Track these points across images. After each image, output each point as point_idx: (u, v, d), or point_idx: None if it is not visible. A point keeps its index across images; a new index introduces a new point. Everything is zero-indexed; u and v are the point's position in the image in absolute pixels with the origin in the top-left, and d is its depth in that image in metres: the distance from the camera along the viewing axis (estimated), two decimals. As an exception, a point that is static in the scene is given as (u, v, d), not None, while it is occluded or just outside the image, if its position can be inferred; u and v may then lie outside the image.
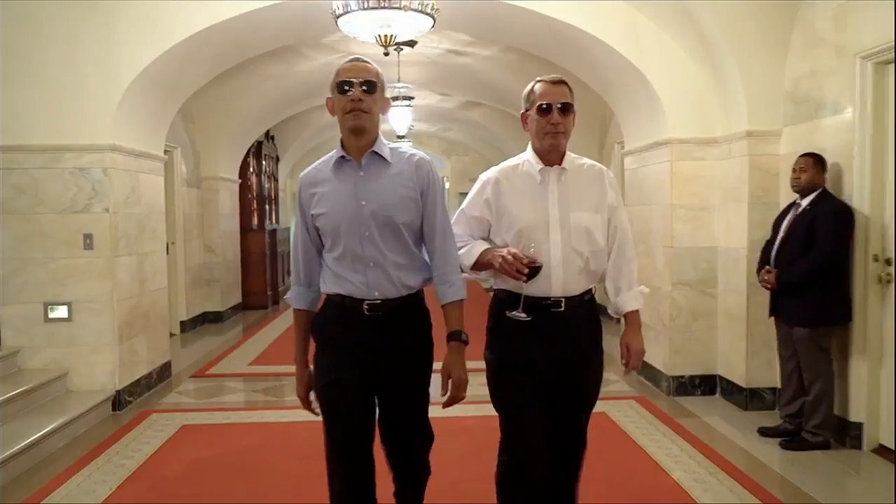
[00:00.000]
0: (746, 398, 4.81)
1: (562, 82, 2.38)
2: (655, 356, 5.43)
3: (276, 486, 3.59)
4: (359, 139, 2.26)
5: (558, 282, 2.33)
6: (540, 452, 2.34)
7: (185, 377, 6.06)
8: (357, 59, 2.32)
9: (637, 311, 2.50)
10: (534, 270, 2.24)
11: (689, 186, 5.14)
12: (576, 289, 2.37)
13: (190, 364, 6.56)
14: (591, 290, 2.45)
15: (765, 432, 4.29)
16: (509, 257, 2.24)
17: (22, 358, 4.90)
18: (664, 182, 5.24)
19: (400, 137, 11.89)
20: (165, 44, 4.89)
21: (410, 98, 9.98)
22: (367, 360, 2.27)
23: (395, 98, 9.92)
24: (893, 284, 3.83)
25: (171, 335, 6.28)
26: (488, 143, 15.12)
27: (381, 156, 2.29)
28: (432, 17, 3.80)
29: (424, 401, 2.39)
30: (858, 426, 4.02)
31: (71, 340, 4.92)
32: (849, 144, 4.01)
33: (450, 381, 2.30)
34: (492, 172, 2.48)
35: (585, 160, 2.49)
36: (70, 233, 4.88)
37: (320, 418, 2.32)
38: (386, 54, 4.08)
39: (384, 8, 3.46)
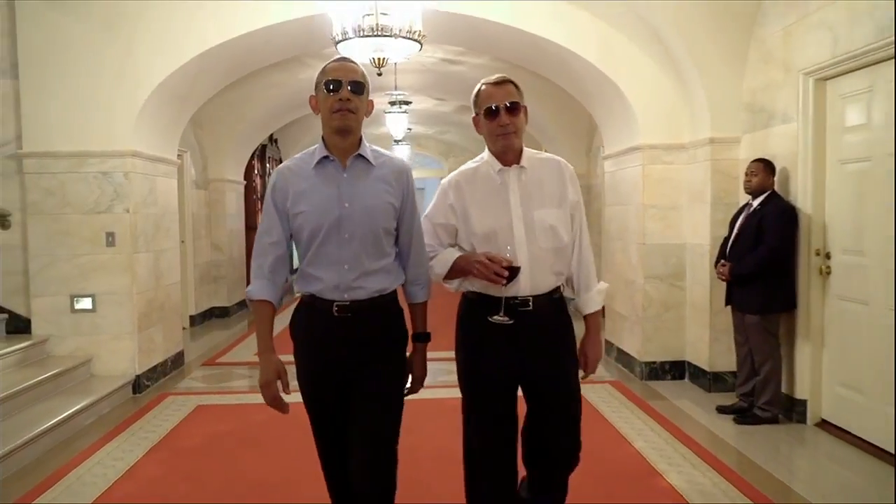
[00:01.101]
0: (710, 381, 5.27)
1: (506, 81, 2.36)
2: (629, 344, 5.91)
3: (284, 455, 4.05)
4: (343, 139, 2.23)
5: (526, 281, 2.31)
6: (502, 448, 2.43)
7: (196, 365, 6.53)
8: (344, 59, 2.29)
9: (597, 312, 2.51)
10: (513, 272, 2.22)
11: (660, 188, 5.61)
12: (544, 287, 2.37)
13: (200, 354, 7.02)
14: (559, 287, 2.45)
15: (722, 410, 4.75)
16: (486, 261, 2.21)
17: (50, 345, 5.37)
18: (637, 184, 5.71)
19: (397, 142, 12.36)
20: (180, 59, 5.35)
21: (408, 103, 10.46)
22: (338, 359, 2.27)
23: (393, 103, 10.42)
24: (832, 276, 4.30)
25: (182, 329, 6.74)
26: (483, 144, 15.52)
27: (365, 158, 2.28)
28: (419, 42, 4.28)
29: (394, 399, 2.34)
30: (803, 403, 4.49)
31: (95, 329, 5.39)
32: (795, 151, 4.47)
33: (409, 377, 2.40)
34: (452, 177, 2.46)
35: (544, 154, 2.50)
36: (94, 231, 5.34)
37: (286, 407, 2.31)
38: (379, 74, 4.54)
39: (377, 36, 3.95)
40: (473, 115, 2.42)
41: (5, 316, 5.38)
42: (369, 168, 2.27)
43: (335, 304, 2.23)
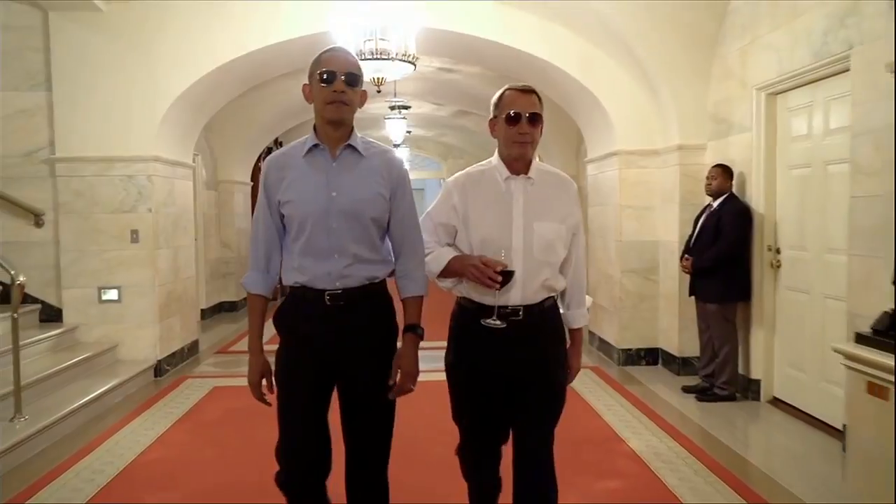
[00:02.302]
0: (679, 365, 5.81)
1: (531, 91, 2.35)
2: (608, 332, 6.45)
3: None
4: (336, 130, 2.23)
5: (518, 291, 2.31)
6: (494, 457, 2.49)
7: (210, 354, 7.07)
8: (339, 49, 2.27)
9: (581, 329, 2.55)
10: (507, 277, 2.21)
11: (635, 190, 6.15)
12: (535, 298, 2.35)
13: (211, 344, 7.55)
14: (551, 296, 2.44)
15: (687, 390, 5.28)
16: (480, 265, 2.21)
17: (79, 332, 5.90)
18: (615, 186, 6.24)
19: (396, 146, 12.86)
20: (198, 73, 5.88)
21: (407, 107, 10.99)
22: (327, 350, 2.25)
23: (393, 108, 10.95)
24: (781, 269, 4.83)
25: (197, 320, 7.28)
26: (481, 147, 16.06)
27: (355, 149, 2.26)
28: (413, 63, 4.84)
29: (386, 390, 2.32)
30: (757, 382, 5.02)
31: (120, 318, 5.92)
32: (750, 157, 5.00)
33: (399, 372, 2.30)
34: (458, 178, 2.46)
35: (552, 170, 2.50)
36: (119, 229, 5.87)
37: (271, 405, 2.34)
38: (378, 91, 5.08)
39: (377, 59, 4.51)
40: (491, 116, 2.39)
41: (38, 306, 5.91)
42: (359, 158, 2.26)
43: (327, 293, 2.22)
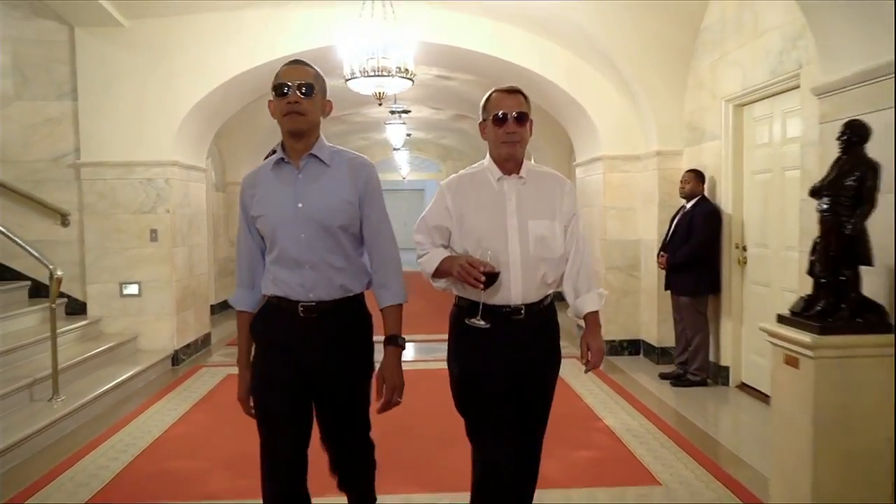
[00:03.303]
0: (658, 355, 6.27)
1: (517, 91, 2.37)
2: (594, 325, 6.89)
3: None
4: (297, 141, 2.24)
5: (518, 290, 2.32)
6: (509, 458, 2.37)
7: (221, 346, 7.53)
8: (296, 62, 2.28)
9: (597, 312, 2.48)
10: (491, 278, 2.21)
11: (618, 192, 6.61)
12: (535, 296, 2.37)
13: (221, 337, 8.01)
14: (549, 295, 2.46)
15: (663, 376, 5.75)
16: (465, 265, 2.22)
17: (103, 324, 6.37)
18: (599, 189, 6.71)
19: (396, 149, 13.30)
20: (211, 84, 6.33)
21: (407, 112, 11.46)
22: (302, 362, 2.26)
23: (393, 112, 11.42)
24: (748, 265, 5.30)
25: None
26: (478, 149, 16.50)
27: (318, 158, 2.27)
28: (411, 80, 5.33)
29: (362, 403, 2.35)
30: (726, 369, 5.48)
31: (140, 311, 6.39)
32: (719, 163, 5.46)
33: (384, 386, 2.30)
34: (451, 180, 2.48)
35: (544, 169, 2.53)
36: (140, 228, 6.34)
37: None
38: (380, 104, 5.55)
39: (378, 76, 4.99)
40: (480, 119, 2.42)
41: (65, 300, 6.37)
42: (323, 168, 2.27)
43: (300, 304, 2.25)
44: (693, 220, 5.39)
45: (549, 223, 2.37)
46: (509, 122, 2.31)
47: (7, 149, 6.29)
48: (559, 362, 2.51)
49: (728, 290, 5.42)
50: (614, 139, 6.56)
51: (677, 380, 5.57)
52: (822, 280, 2.71)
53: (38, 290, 6.27)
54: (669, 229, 5.67)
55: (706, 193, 5.52)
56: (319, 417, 2.36)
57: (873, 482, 2.62)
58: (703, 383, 5.49)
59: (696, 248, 5.34)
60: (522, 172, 2.39)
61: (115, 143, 6.26)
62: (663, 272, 5.72)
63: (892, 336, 2.62)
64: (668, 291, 5.69)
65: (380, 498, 2.71)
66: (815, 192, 2.74)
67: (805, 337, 2.64)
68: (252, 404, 2.34)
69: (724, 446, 4.26)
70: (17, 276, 6.31)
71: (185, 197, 6.70)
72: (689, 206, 5.51)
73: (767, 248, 4.99)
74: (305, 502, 2.36)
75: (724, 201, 5.42)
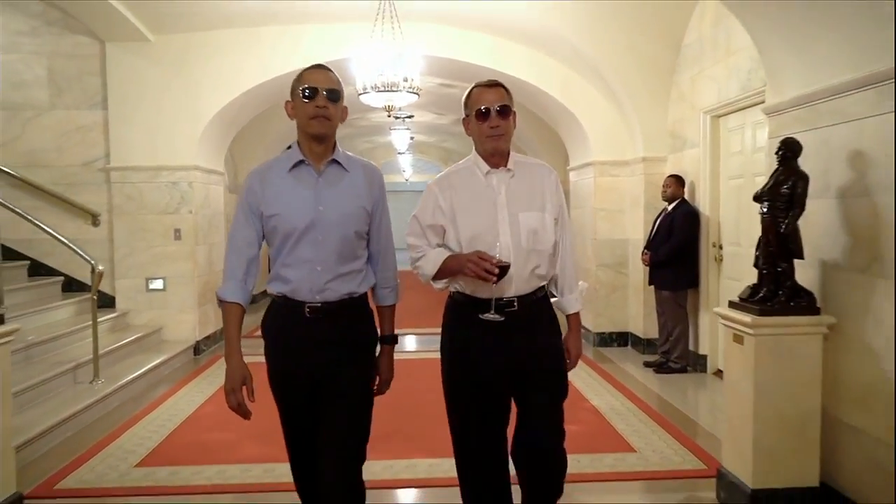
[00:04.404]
0: (644, 345, 6.77)
1: (498, 85, 2.37)
2: (585, 319, 7.32)
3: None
4: (319, 145, 2.25)
5: (510, 283, 2.32)
6: (492, 447, 2.45)
7: (237, 338, 8.02)
8: (320, 66, 2.28)
9: (577, 312, 2.56)
10: (503, 270, 2.22)
11: (608, 195, 7.12)
12: (528, 288, 2.37)
13: (237, 331, 8.52)
14: (542, 286, 2.46)
15: (647, 364, 6.25)
16: (477, 259, 2.21)
17: (130, 317, 6.89)
18: (590, 192, 7.22)
19: (400, 153, 13.75)
20: (231, 95, 6.85)
21: (410, 117, 11.95)
22: (308, 359, 2.29)
23: (397, 117, 11.92)
24: (723, 262, 5.80)
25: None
26: (480, 152, 17.00)
27: (340, 164, 2.30)
28: (417, 94, 5.87)
29: (363, 399, 2.36)
30: (704, 357, 5.99)
31: (164, 305, 6.91)
32: (698, 169, 5.96)
33: (377, 378, 2.45)
34: (440, 178, 2.48)
35: (531, 160, 2.53)
36: (165, 228, 6.86)
37: (251, 414, 2.37)
38: (388, 115, 6.08)
39: (387, 91, 5.54)
40: (464, 116, 2.43)
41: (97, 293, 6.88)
42: (343, 173, 2.30)
43: (307, 305, 2.26)
44: (674, 221, 5.89)
45: (539, 215, 2.39)
46: (492, 116, 2.32)
47: (43, 154, 6.82)
48: (559, 349, 2.49)
49: (706, 285, 5.92)
50: (604, 146, 7.06)
51: (660, 367, 6.07)
52: (764, 271, 3.21)
53: (70, 285, 6.81)
54: (652, 229, 6.17)
55: (686, 196, 6.03)
56: (322, 419, 2.33)
57: (803, 440, 3.13)
58: (683, 370, 5.99)
59: (676, 246, 5.84)
60: (510, 164, 2.41)
61: (142, 148, 6.78)
62: (647, 268, 6.22)
63: (820, 317, 3.13)
64: (652, 286, 6.20)
65: (388, 461, 3.16)
66: (757, 198, 3.24)
67: (747, 318, 3.14)
68: (241, 400, 2.32)
69: (697, 423, 4.76)
70: (50, 271, 6.84)
71: (205, 199, 7.21)
72: (670, 207, 6.01)
73: (740, 247, 5.49)
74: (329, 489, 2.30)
75: (703, 204, 5.92)
